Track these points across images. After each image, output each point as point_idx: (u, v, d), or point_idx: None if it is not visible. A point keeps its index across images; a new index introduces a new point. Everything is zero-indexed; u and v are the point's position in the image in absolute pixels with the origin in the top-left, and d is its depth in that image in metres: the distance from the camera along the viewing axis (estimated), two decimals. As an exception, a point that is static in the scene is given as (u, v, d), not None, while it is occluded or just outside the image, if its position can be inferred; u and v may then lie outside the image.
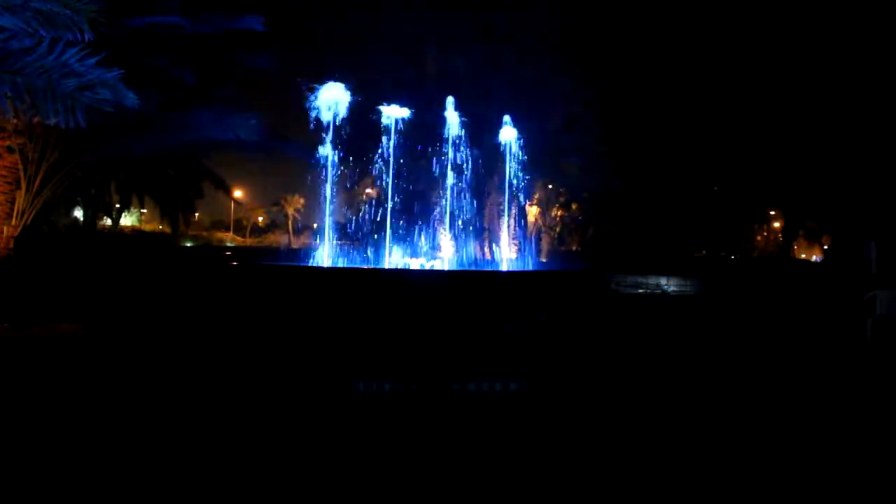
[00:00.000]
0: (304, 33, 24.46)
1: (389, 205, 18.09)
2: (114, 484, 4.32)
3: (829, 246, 32.21)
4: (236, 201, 48.94)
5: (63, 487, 4.25)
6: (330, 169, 17.51)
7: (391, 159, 18.29)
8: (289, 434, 5.39)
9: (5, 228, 17.58)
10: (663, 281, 17.88)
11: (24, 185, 18.17)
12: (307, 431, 5.49)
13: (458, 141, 19.39)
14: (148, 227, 44.20)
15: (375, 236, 18.83)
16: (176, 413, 5.89)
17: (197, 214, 41.65)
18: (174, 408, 6.04)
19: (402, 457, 4.94)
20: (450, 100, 18.84)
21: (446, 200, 21.16)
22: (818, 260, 38.29)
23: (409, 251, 18.31)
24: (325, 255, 17.40)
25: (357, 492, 4.36)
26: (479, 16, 25.72)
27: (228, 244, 44.93)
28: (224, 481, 4.43)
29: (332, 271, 16.39)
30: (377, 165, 18.61)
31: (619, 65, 26.73)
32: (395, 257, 17.77)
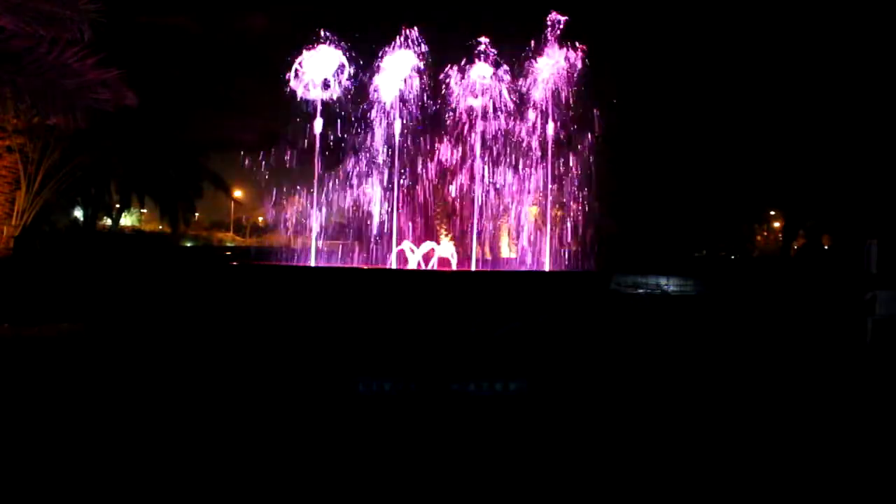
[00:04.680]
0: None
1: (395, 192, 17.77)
2: (115, 484, 4.31)
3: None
4: (236, 201, 48.87)
5: (64, 487, 4.25)
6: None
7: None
8: (291, 434, 5.39)
9: (5, 228, 17.56)
10: (663, 281, 17.86)
11: (24, 185, 18.16)
12: (308, 430, 5.48)
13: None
14: (148, 227, 44.14)
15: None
16: (177, 413, 5.89)
17: (197, 214, 41.59)
18: (176, 408, 6.04)
19: (403, 457, 4.93)
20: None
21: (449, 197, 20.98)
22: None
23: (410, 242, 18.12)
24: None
25: (359, 492, 4.35)
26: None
27: (228, 244, 44.83)
28: (225, 481, 4.42)
29: (333, 271, 16.34)
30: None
31: (619, 64, 26.72)
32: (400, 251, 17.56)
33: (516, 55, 18.67)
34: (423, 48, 17.28)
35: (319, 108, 16.97)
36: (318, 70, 16.42)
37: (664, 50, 25.98)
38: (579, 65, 17.36)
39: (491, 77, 18.32)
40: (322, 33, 16.29)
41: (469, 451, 5.08)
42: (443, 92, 18.09)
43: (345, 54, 16.69)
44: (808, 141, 25.09)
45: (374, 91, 17.48)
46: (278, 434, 5.37)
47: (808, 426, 6.15)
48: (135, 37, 19.67)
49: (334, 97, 16.92)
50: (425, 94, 17.85)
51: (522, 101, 19.80)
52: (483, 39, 17.83)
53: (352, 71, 16.82)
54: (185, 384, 6.90)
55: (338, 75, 16.75)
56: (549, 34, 17.55)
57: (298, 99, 16.50)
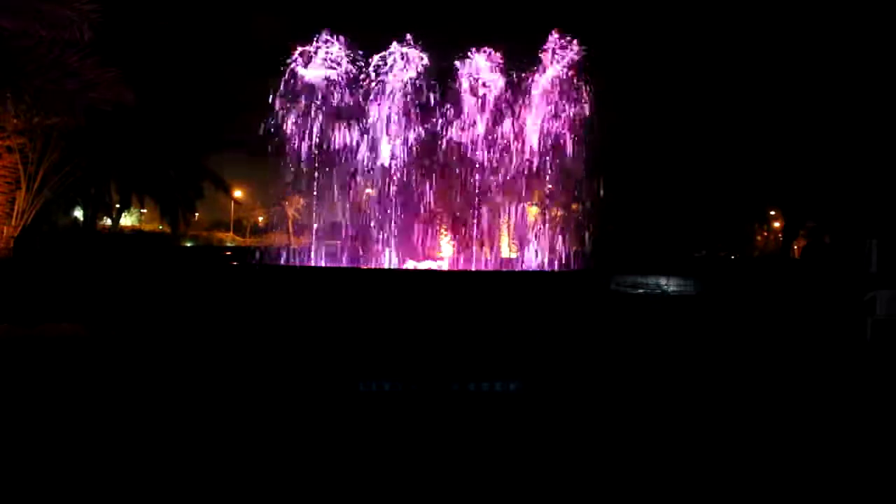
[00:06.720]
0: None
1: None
2: (116, 484, 4.32)
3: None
4: (236, 201, 48.88)
5: (64, 487, 4.25)
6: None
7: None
8: (291, 433, 5.39)
9: (5, 228, 17.57)
10: (663, 281, 17.85)
11: (24, 185, 18.17)
12: (309, 430, 5.48)
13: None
14: (148, 227, 44.10)
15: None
16: (179, 413, 5.89)
17: (197, 214, 41.57)
18: (177, 408, 6.04)
19: (404, 456, 4.94)
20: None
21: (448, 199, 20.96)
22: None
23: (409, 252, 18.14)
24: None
25: (360, 491, 4.35)
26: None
27: (228, 244, 44.82)
28: (227, 480, 4.42)
29: (333, 272, 16.36)
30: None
31: (620, 66, 26.74)
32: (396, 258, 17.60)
33: (518, 57, 18.65)
34: (425, 52, 17.31)
35: (319, 105, 16.98)
36: (319, 69, 16.53)
37: (665, 51, 26.01)
38: (581, 67, 17.37)
39: (493, 82, 18.32)
40: (324, 34, 16.35)
41: (469, 450, 5.08)
42: (444, 95, 18.11)
43: (344, 53, 16.73)
44: (808, 141, 25.11)
45: (375, 92, 17.50)
46: (279, 433, 5.37)
47: (807, 425, 6.15)
48: (134, 37, 19.68)
49: (333, 95, 16.95)
50: (425, 97, 17.88)
51: (524, 103, 19.81)
52: (486, 48, 17.83)
53: (352, 70, 16.84)
54: (188, 384, 6.90)
55: (338, 75, 16.77)
56: (551, 37, 17.52)
57: (298, 96, 16.57)
